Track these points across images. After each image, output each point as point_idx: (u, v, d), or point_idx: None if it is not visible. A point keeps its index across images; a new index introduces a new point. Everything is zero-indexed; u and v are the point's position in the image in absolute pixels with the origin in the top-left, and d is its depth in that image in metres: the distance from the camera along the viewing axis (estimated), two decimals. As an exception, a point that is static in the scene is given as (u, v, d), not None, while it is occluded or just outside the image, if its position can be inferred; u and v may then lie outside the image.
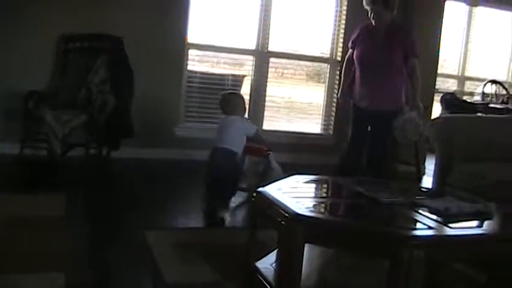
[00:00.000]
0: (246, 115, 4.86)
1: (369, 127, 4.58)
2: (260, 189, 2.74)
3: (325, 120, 6.65)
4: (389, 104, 4.49)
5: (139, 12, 5.57)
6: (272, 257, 2.77)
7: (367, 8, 4.47)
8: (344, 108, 5.53)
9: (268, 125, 6.45)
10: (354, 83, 4.64)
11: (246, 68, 6.35)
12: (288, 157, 5.97)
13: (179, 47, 5.82)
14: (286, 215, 2.36)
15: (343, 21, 6.46)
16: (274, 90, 6.49)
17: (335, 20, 6.52)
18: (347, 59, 4.74)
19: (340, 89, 4.92)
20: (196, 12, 5.89)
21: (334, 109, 6.59)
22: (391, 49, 4.47)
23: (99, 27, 5.33)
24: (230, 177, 4.13)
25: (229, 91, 5.01)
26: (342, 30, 6.46)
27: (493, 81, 8.01)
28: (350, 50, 4.70)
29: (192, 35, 5.93)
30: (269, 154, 4.59)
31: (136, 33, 5.48)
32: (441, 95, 7.36)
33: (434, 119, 4.30)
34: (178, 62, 5.85)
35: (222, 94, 4.67)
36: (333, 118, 6.60)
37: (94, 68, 5.21)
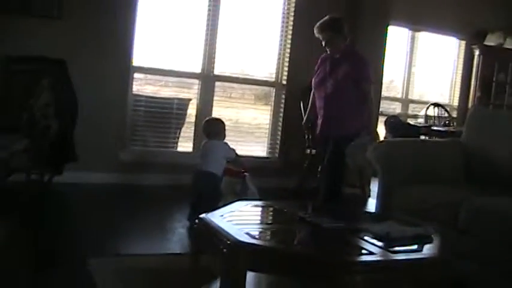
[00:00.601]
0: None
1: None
2: (203, 215, 2.72)
3: (271, 144, 6.68)
4: (339, 130, 4.56)
5: (83, 34, 5.50)
6: (217, 283, 2.75)
7: (319, 36, 4.60)
8: (291, 132, 5.59)
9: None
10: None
11: (193, 91, 6.33)
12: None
13: (124, 70, 5.76)
14: (228, 242, 2.35)
15: (289, 46, 6.52)
16: (221, 111, 6.49)
17: (280, 45, 6.58)
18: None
19: (306, 115, 5.04)
20: (142, 34, 5.85)
21: (279, 132, 6.63)
22: (342, 76, 4.55)
23: (43, 50, 5.24)
24: (212, 198, 4.35)
25: (213, 117, 5.22)
26: (287, 55, 6.52)
27: (436, 104, 8.21)
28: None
29: (138, 58, 5.89)
30: (245, 175, 4.84)
31: (80, 56, 5.41)
32: (385, 117, 7.49)
33: (377, 142, 4.36)
34: (123, 85, 5.78)
35: (206, 120, 4.97)
36: (278, 141, 6.63)
37: (37, 91, 5.11)
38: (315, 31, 4.61)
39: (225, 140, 4.83)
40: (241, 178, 4.84)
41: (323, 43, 4.60)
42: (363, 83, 4.51)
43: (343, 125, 4.57)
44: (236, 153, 4.79)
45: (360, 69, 4.54)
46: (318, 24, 4.64)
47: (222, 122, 4.89)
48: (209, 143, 4.70)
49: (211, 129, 4.77)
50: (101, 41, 5.57)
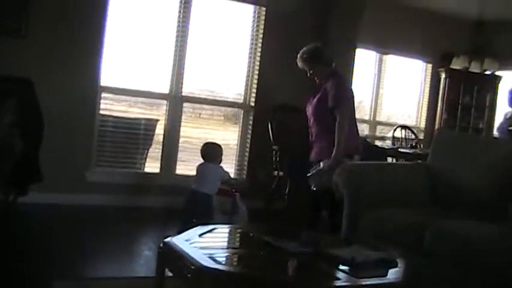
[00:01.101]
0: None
1: None
2: (167, 239, 2.70)
3: (238, 165, 6.68)
4: (315, 156, 4.71)
5: (50, 54, 5.46)
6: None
7: (302, 68, 4.77)
8: (259, 154, 5.60)
9: (183, 168, 6.40)
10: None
11: (161, 111, 6.31)
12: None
13: (91, 90, 5.73)
14: (192, 267, 2.34)
15: (257, 67, 6.56)
16: (190, 131, 6.48)
17: (248, 66, 6.61)
18: None
19: None
20: (110, 55, 5.83)
21: (247, 153, 6.63)
22: (320, 103, 4.65)
23: (9, 69, 5.17)
24: (206, 217, 4.38)
25: (211, 142, 5.31)
26: (256, 76, 6.55)
27: (403, 126, 8.28)
28: None
29: (105, 78, 5.85)
30: (235, 195, 5.06)
31: (47, 75, 5.36)
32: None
33: (342, 165, 4.37)
34: (90, 105, 5.75)
35: (204, 144, 5.11)
36: (246, 163, 6.63)
37: (2, 111, 5.04)
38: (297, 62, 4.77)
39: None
40: (231, 198, 5.02)
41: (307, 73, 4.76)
42: (333, 109, 4.56)
43: (316, 151, 4.72)
44: (229, 175, 4.99)
45: (331, 96, 4.58)
46: (298, 55, 4.77)
47: (220, 147, 5.06)
48: (205, 165, 4.84)
49: (209, 153, 4.92)
50: (68, 61, 5.54)
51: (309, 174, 4.65)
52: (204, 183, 4.70)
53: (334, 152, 4.50)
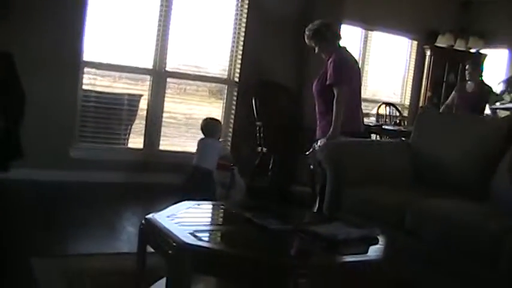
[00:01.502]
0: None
1: None
2: (149, 216, 2.69)
3: (223, 140, 6.64)
4: (319, 133, 4.82)
5: (31, 28, 5.37)
6: (162, 284, 2.71)
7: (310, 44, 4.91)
8: (242, 130, 5.61)
9: (167, 142, 6.39)
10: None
11: (145, 86, 6.25)
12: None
13: (74, 65, 5.66)
14: (174, 244, 2.33)
15: (241, 43, 6.51)
16: (175, 106, 6.45)
17: (233, 42, 6.56)
18: None
19: None
20: (93, 29, 5.75)
21: (231, 130, 6.61)
22: (322, 79, 4.75)
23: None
24: (207, 192, 4.65)
25: (210, 117, 5.46)
26: (240, 52, 6.51)
27: (387, 103, 8.29)
28: None
29: (88, 53, 5.78)
30: (233, 169, 5.35)
31: (28, 50, 5.29)
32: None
33: (325, 143, 4.37)
34: (72, 81, 5.68)
35: (204, 119, 5.26)
36: (230, 138, 6.61)
37: (-19, 86, 4.99)
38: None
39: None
40: (230, 172, 5.31)
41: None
42: (333, 87, 4.63)
43: (319, 126, 4.84)
44: (228, 150, 5.23)
45: (330, 73, 4.66)
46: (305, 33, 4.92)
47: (219, 122, 5.33)
48: (205, 140, 5.04)
49: (208, 128, 5.10)
50: (49, 35, 5.45)
51: (307, 153, 4.69)
52: (205, 159, 4.89)
53: (330, 129, 4.54)
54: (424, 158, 4.16)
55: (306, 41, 4.93)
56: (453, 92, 6.98)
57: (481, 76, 6.76)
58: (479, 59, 8.10)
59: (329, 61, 4.73)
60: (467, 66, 6.85)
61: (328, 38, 4.82)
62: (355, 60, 5.11)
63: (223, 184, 5.24)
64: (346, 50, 4.92)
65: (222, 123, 6.62)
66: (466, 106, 6.63)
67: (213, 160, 4.94)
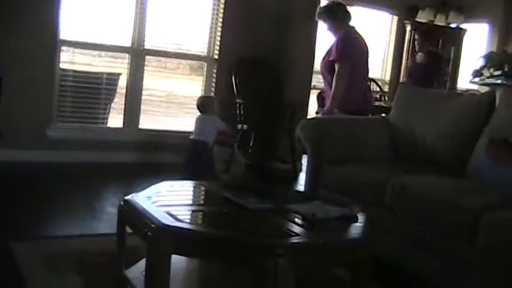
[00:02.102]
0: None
1: None
2: (128, 197, 2.67)
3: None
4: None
5: (6, 7, 5.27)
6: (142, 264, 2.70)
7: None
8: (223, 107, 5.59)
9: (147, 120, 6.35)
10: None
11: (124, 64, 6.18)
12: (165, 157, 5.94)
13: (50, 44, 5.57)
14: (152, 225, 2.32)
15: (220, 20, 6.45)
16: (155, 83, 6.41)
17: (212, 19, 6.50)
18: None
19: None
20: (69, 7, 5.66)
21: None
22: (328, 56, 4.98)
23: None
24: (207, 166, 4.95)
25: (206, 95, 5.88)
26: (219, 29, 6.45)
27: (368, 79, 8.28)
28: None
29: (65, 31, 5.70)
30: (233, 144, 5.55)
31: (4, 29, 5.21)
32: (318, 91, 7.51)
33: (305, 120, 4.36)
34: (49, 60, 5.59)
35: (199, 97, 5.53)
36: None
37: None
38: None
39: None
40: (229, 148, 5.50)
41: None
42: (335, 63, 4.85)
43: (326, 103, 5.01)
44: (225, 126, 5.31)
45: (333, 49, 4.90)
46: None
47: (214, 99, 5.55)
48: (202, 116, 5.20)
49: (204, 105, 5.28)
50: (25, 14, 5.36)
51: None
52: (204, 134, 5.05)
53: (327, 104, 4.64)
54: (404, 134, 4.16)
55: (316, 17, 5.14)
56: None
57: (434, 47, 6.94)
58: (428, 30, 8.28)
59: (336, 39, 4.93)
60: (416, 37, 7.04)
61: (338, 16, 5.01)
62: (364, 41, 5.20)
63: (223, 160, 5.40)
64: (355, 30, 5.10)
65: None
66: (416, 76, 6.84)
67: (211, 134, 5.07)
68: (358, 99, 5.00)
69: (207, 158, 5.02)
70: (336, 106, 4.77)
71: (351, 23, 5.09)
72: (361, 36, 5.10)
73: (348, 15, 5.08)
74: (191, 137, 5.09)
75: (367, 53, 5.15)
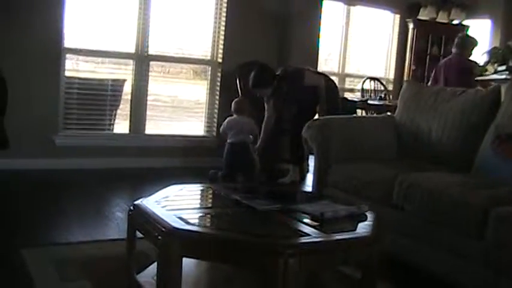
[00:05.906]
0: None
1: None
2: (137, 202, 2.69)
3: (208, 122, 6.65)
4: None
5: (11, 17, 5.30)
6: (153, 268, 2.72)
7: None
8: (228, 110, 5.60)
9: (152, 125, 6.37)
10: None
11: (128, 71, 6.21)
12: (172, 161, 5.96)
13: (55, 52, 5.61)
14: (163, 229, 2.33)
15: (223, 24, 6.47)
16: (159, 88, 6.44)
17: (215, 22, 6.52)
18: None
19: None
20: (73, 14, 5.69)
21: (216, 111, 6.60)
22: None
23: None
24: (249, 166, 5.25)
25: (239, 98, 5.80)
26: (222, 32, 6.46)
27: (372, 78, 8.30)
28: None
29: (69, 40, 5.73)
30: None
31: (9, 38, 5.24)
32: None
33: (312, 120, 4.37)
34: (54, 68, 5.63)
35: (234, 101, 5.59)
36: (215, 120, 6.60)
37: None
38: None
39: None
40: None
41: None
42: None
43: None
44: (257, 132, 5.51)
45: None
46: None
47: (247, 101, 5.59)
48: (235, 118, 5.38)
49: (239, 107, 5.43)
50: (29, 23, 5.40)
51: None
52: (238, 133, 5.25)
53: None
54: (410, 132, 4.17)
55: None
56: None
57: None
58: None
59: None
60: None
61: (269, 81, 5.63)
62: None
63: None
64: None
65: (207, 105, 6.63)
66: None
67: (246, 135, 5.30)
68: None
69: (251, 156, 5.30)
70: None
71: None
72: None
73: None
74: (229, 140, 5.27)
75: None
